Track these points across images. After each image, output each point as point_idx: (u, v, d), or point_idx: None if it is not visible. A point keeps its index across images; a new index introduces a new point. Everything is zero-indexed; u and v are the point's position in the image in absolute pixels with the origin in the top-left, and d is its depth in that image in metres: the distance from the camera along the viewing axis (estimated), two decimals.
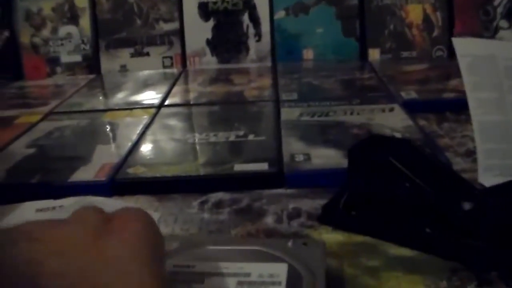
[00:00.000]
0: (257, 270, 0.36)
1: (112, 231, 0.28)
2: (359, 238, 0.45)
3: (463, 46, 0.56)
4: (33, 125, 0.77)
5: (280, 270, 0.35)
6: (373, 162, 0.45)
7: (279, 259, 0.37)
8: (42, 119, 0.79)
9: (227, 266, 0.36)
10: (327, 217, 0.47)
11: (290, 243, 0.39)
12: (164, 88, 0.91)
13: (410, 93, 0.80)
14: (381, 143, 0.47)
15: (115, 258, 0.27)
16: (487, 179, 0.53)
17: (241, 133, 0.66)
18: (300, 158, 0.57)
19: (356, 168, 0.46)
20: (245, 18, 1.05)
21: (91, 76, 1.06)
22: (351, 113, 0.71)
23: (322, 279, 0.35)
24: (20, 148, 0.68)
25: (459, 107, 0.71)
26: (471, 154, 0.60)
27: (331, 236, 0.45)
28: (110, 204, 0.51)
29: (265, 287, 0.34)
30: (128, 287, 0.25)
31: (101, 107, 0.86)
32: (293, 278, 0.35)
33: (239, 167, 0.57)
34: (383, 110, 0.73)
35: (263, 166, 0.56)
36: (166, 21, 1.07)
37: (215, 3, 1.05)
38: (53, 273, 0.25)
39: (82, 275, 0.25)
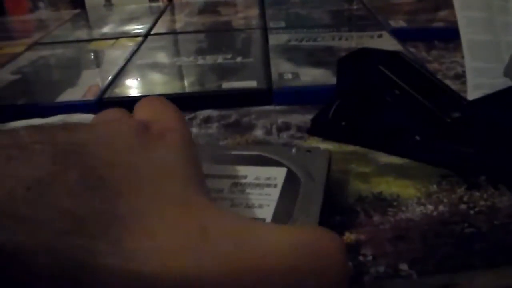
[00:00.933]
0: (255, 173, 0.35)
1: (154, 136, 0.27)
2: (349, 148, 0.45)
3: None
4: (17, 55, 0.75)
5: (278, 174, 0.35)
6: (362, 72, 0.45)
7: (279, 163, 0.36)
8: (26, 50, 0.78)
9: (223, 169, 0.36)
10: (316, 128, 0.47)
11: (294, 150, 0.38)
12: (150, 20, 0.90)
13: (398, 22, 0.80)
14: (371, 54, 0.47)
15: (162, 160, 0.25)
16: (476, 96, 0.53)
17: (229, 56, 0.65)
18: (288, 76, 0.57)
19: (345, 78, 0.46)
20: None
21: (75, 11, 1.04)
22: (339, 39, 0.71)
23: (322, 184, 0.34)
24: (5, 75, 0.67)
25: (447, 36, 0.71)
26: (459, 77, 0.60)
27: (321, 147, 0.45)
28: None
29: (260, 188, 0.34)
30: (174, 189, 0.24)
31: (87, 37, 0.84)
32: (291, 182, 0.34)
33: (227, 85, 0.56)
34: (372, 37, 0.72)
35: (252, 84, 0.56)
36: None
37: None
38: (102, 159, 0.23)
39: (131, 168, 0.23)
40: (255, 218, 0.31)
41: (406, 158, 0.43)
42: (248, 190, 0.34)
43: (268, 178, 0.34)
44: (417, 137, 0.43)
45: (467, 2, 0.54)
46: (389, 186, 0.39)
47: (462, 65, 0.62)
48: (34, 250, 0.19)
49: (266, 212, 0.31)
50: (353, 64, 0.46)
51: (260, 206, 0.32)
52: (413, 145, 0.43)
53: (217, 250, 0.21)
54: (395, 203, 0.37)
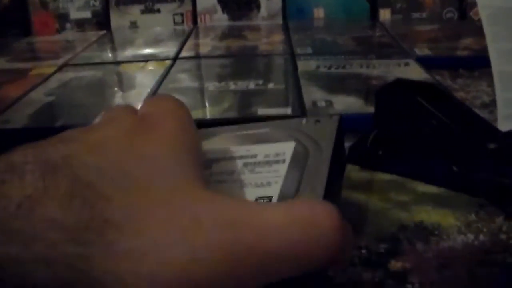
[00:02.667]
0: (264, 150, 0.34)
1: (147, 129, 0.27)
2: (386, 176, 0.45)
3: None
4: (48, 76, 0.77)
5: (286, 148, 0.34)
6: (400, 103, 0.46)
7: (288, 137, 0.35)
8: (56, 71, 0.79)
9: (234, 150, 0.35)
10: (354, 157, 0.48)
11: (304, 121, 0.37)
12: (176, 43, 0.91)
13: (423, 50, 0.81)
14: (408, 86, 0.48)
15: (152, 156, 0.25)
16: (507, 127, 0.53)
17: (261, 82, 0.67)
18: (322, 104, 0.58)
19: (383, 109, 0.47)
20: None
21: (101, 33, 1.06)
22: (367, 67, 0.72)
23: (328, 154, 0.33)
24: (39, 96, 0.68)
25: (472, 64, 0.72)
26: (487, 106, 0.61)
27: (358, 175, 0.46)
28: None
29: (269, 166, 0.33)
30: (164, 184, 0.24)
31: (114, 59, 0.86)
32: (300, 154, 0.33)
33: (262, 111, 0.57)
34: (399, 65, 0.73)
35: (287, 111, 0.57)
36: None
37: None
38: (90, 167, 0.23)
39: (120, 171, 0.23)
40: (262, 197, 0.30)
41: (443, 187, 0.43)
42: (257, 169, 0.33)
43: (277, 154, 0.34)
44: (455, 168, 0.43)
45: (499, 34, 0.55)
46: (429, 215, 0.40)
47: (488, 94, 0.63)
48: (31, 262, 0.20)
49: (274, 190, 0.31)
50: (391, 95, 0.47)
51: (269, 184, 0.31)
52: (450, 175, 0.43)
53: (211, 239, 0.21)
54: (436, 232, 0.38)
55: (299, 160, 0.32)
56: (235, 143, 0.36)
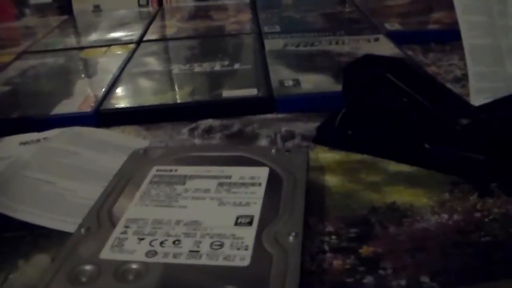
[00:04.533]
0: (238, 173, 0.36)
1: None
2: (357, 156, 0.44)
3: None
4: (6, 65, 0.74)
5: (261, 173, 0.36)
6: (369, 79, 0.44)
7: (261, 163, 0.38)
8: (15, 59, 0.76)
9: (208, 170, 0.37)
10: (322, 137, 0.46)
11: (273, 150, 0.39)
12: (141, 26, 0.89)
13: (394, 25, 0.79)
14: (377, 62, 0.46)
15: None
16: (479, 101, 0.52)
17: (226, 63, 0.65)
18: (289, 83, 0.56)
19: (351, 86, 0.45)
20: None
21: (63, 18, 1.02)
22: (337, 43, 0.70)
23: (303, 181, 0.36)
24: None
25: (444, 38, 0.71)
26: (459, 80, 0.60)
27: (328, 156, 0.44)
28: (98, 133, 0.50)
29: (245, 187, 0.35)
30: None
31: (77, 45, 0.83)
32: (274, 180, 0.36)
33: (227, 93, 0.55)
34: (368, 40, 0.72)
35: (252, 92, 0.55)
36: None
37: None
38: None
39: None
40: (243, 216, 0.32)
41: (416, 166, 0.42)
42: (234, 189, 0.35)
43: (252, 178, 0.36)
44: (427, 145, 0.42)
45: (469, 7, 0.54)
46: (402, 196, 0.39)
47: (460, 68, 0.62)
48: None
49: (254, 210, 0.33)
50: (359, 72, 0.45)
51: (247, 204, 0.33)
52: (423, 153, 0.42)
53: None
54: (409, 213, 0.37)
55: (275, 185, 0.35)
56: (206, 163, 0.38)
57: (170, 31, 0.86)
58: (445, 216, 0.36)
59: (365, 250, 0.33)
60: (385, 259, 0.33)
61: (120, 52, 0.74)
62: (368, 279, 0.31)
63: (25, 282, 0.32)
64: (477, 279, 0.31)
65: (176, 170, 0.37)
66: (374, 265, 0.32)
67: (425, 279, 0.31)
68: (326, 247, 0.34)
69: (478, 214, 0.36)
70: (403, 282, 0.31)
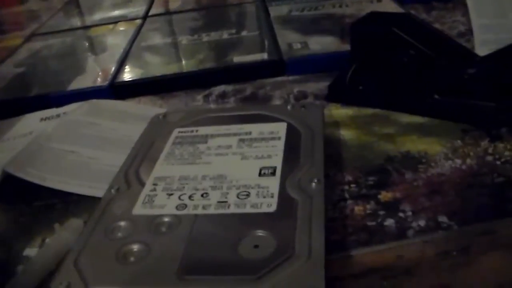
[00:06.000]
0: (258, 129, 0.38)
1: None
2: (369, 111, 0.45)
3: None
4: (16, 48, 0.75)
5: (279, 128, 0.37)
6: (376, 34, 0.45)
7: (278, 119, 0.39)
8: (24, 42, 0.77)
9: (228, 128, 0.38)
10: (334, 95, 0.47)
11: (289, 107, 0.40)
12: (145, 2, 0.89)
13: None
14: (383, 17, 0.47)
15: None
16: (484, 52, 0.53)
17: (233, 31, 0.66)
18: (297, 46, 0.57)
19: (359, 43, 0.46)
20: None
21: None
22: (340, 6, 0.71)
23: (320, 133, 0.37)
24: (9, 68, 0.67)
25: None
26: (463, 35, 0.60)
27: (341, 112, 0.46)
28: (115, 104, 0.51)
29: (265, 142, 0.36)
30: None
31: (84, 25, 0.84)
32: (292, 134, 0.37)
33: (238, 59, 0.56)
34: (371, 1, 0.72)
35: (263, 56, 0.56)
36: None
37: None
38: None
39: None
40: (266, 167, 0.33)
41: (426, 116, 0.43)
42: (255, 144, 0.36)
43: (272, 132, 0.37)
44: (436, 96, 0.43)
45: None
46: (415, 145, 0.40)
47: (464, 24, 0.63)
48: None
49: (276, 161, 0.34)
50: (366, 28, 0.46)
51: (269, 156, 0.34)
52: (433, 104, 0.43)
53: None
54: (423, 160, 0.38)
55: (293, 139, 0.36)
56: (225, 122, 0.39)
57: (174, 5, 0.86)
58: (458, 161, 0.38)
59: (384, 195, 0.35)
60: (404, 202, 0.34)
61: (127, 28, 0.75)
62: (389, 221, 0.32)
63: (61, 244, 0.34)
64: (492, 216, 0.32)
65: (197, 131, 0.38)
66: (394, 208, 0.33)
67: (443, 218, 0.32)
68: (347, 195, 0.35)
69: (490, 158, 0.38)
70: (422, 222, 0.32)
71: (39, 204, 0.39)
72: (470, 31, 0.58)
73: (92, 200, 0.37)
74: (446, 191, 0.35)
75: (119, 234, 0.29)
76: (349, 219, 0.33)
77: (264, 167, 0.33)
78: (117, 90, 0.55)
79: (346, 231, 0.32)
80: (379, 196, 0.35)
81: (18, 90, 0.60)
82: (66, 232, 0.34)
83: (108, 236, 0.29)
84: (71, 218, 0.36)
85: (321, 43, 0.57)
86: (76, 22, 0.87)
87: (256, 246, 0.27)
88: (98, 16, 0.87)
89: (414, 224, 0.32)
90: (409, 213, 0.33)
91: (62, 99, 0.54)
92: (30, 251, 0.34)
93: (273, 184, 0.31)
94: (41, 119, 0.51)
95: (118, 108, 0.50)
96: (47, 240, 0.35)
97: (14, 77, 0.63)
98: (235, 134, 0.37)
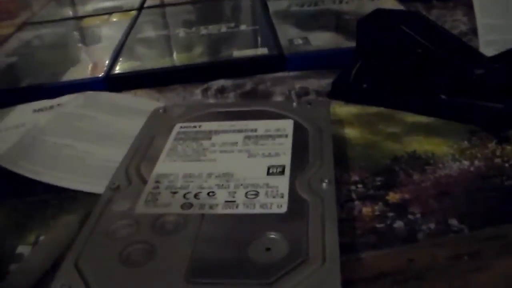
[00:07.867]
0: (263, 126, 0.37)
1: None
2: (373, 109, 0.44)
3: None
4: (7, 37, 0.73)
5: (286, 125, 0.36)
6: (383, 32, 0.44)
7: (284, 116, 0.38)
8: (16, 31, 0.76)
9: (233, 124, 0.37)
10: (338, 92, 0.46)
11: (295, 104, 0.39)
12: None
13: None
14: (391, 15, 0.46)
15: None
16: (489, 53, 0.52)
17: (232, 24, 0.64)
18: (298, 41, 0.56)
19: (365, 39, 0.45)
20: None
21: None
22: (340, 2, 0.70)
23: (329, 130, 0.36)
24: (0, 58, 0.65)
25: None
26: (465, 35, 0.60)
27: (345, 110, 0.45)
28: (111, 97, 0.50)
29: (272, 139, 0.35)
30: None
31: (77, 14, 0.82)
32: (300, 132, 0.36)
33: (238, 53, 0.55)
34: None
35: (263, 51, 0.55)
36: None
37: None
38: None
39: None
40: (275, 166, 0.32)
41: (433, 116, 0.42)
42: (261, 142, 0.35)
43: (278, 130, 0.36)
44: (443, 96, 0.42)
45: None
46: (422, 145, 0.39)
47: (465, 23, 0.62)
48: None
49: (284, 160, 0.33)
50: (373, 25, 0.45)
51: (277, 154, 0.33)
52: (439, 104, 0.42)
53: None
54: (431, 161, 0.37)
55: (301, 137, 0.35)
56: (229, 118, 0.38)
57: None
58: (466, 162, 0.37)
59: (392, 197, 0.34)
60: (413, 204, 0.33)
61: (121, 19, 0.74)
62: (398, 223, 0.32)
63: (56, 242, 0.32)
64: (503, 221, 0.31)
65: (200, 126, 0.37)
66: (403, 210, 0.33)
67: (453, 221, 0.31)
68: (354, 196, 0.34)
69: (498, 160, 0.37)
70: (432, 225, 0.31)
71: (32, 200, 0.38)
72: (471, 31, 0.58)
73: (88, 196, 0.36)
74: (455, 193, 0.34)
75: (121, 234, 0.28)
76: (358, 221, 0.32)
77: (272, 166, 0.32)
78: (113, 82, 0.53)
79: (355, 233, 0.31)
80: (387, 197, 0.34)
81: (10, 80, 0.58)
82: (61, 230, 0.33)
83: (109, 235, 0.28)
84: (66, 215, 0.35)
85: (322, 39, 0.56)
86: (69, 12, 0.85)
87: (268, 249, 0.26)
88: (91, 6, 0.85)
89: (424, 227, 0.31)
90: (418, 215, 0.32)
91: (56, 90, 0.52)
92: (24, 249, 0.33)
93: (282, 183, 0.30)
94: (34, 111, 0.50)
95: (115, 101, 0.49)
96: (42, 237, 0.34)
97: (6, 67, 0.62)
98: (240, 131, 0.36)
